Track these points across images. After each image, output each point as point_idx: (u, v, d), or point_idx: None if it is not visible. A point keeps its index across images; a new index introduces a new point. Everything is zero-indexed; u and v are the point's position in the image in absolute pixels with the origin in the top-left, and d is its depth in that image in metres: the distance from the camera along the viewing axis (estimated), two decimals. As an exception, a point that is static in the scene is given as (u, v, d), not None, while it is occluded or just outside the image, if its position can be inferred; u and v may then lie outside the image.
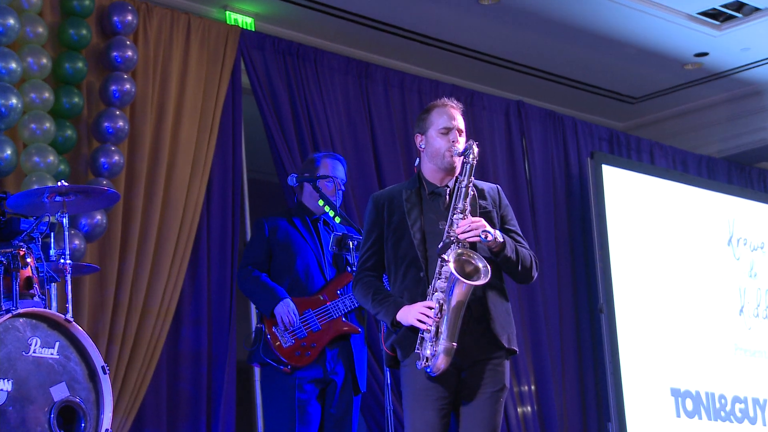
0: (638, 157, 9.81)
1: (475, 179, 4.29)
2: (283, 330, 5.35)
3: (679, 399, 8.92)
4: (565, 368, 8.69)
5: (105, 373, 4.74)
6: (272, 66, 7.29)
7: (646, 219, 9.19)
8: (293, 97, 7.34)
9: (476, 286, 4.03)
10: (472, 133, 8.41)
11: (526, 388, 8.30)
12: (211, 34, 6.97)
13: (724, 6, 8.36)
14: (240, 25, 7.44)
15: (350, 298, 5.45)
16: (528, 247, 4.36)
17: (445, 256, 4.04)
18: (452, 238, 4.08)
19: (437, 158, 4.29)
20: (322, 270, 5.55)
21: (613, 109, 10.27)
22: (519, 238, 4.35)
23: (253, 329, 5.54)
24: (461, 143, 4.29)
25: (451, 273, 3.99)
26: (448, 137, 4.28)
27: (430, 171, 4.34)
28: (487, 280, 4.02)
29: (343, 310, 5.44)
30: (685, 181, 9.75)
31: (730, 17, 8.54)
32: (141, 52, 6.53)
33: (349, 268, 5.50)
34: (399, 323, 4.15)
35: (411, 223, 4.23)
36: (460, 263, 4.04)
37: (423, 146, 4.35)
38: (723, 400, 9.21)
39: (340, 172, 5.72)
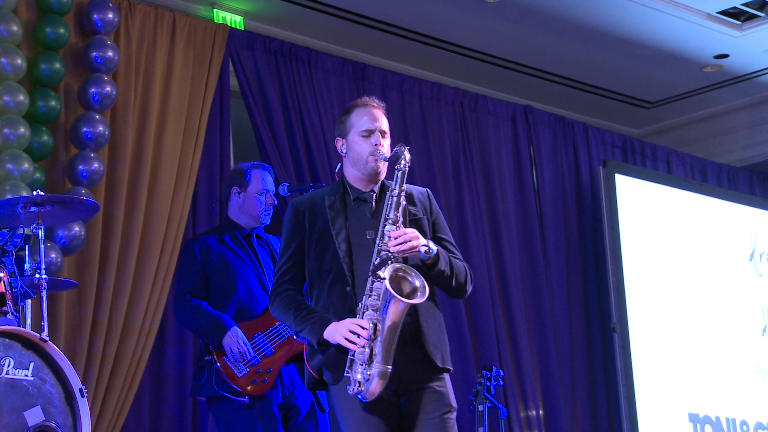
0: (654, 165, 9.82)
1: (412, 185, 4.25)
2: (234, 359, 5.31)
3: (698, 425, 8.91)
4: (576, 391, 8.69)
5: (83, 396, 4.72)
6: (263, 67, 7.30)
7: (663, 232, 9.19)
8: (285, 100, 7.34)
9: (414, 304, 3.97)
10: (476, 139, 8.43)
11: (534, 412, 8.29)
12: (197, 33, 6.97)
13: (746, 5, 8.37)
14: (228, 24, 7.44)
15: None
16: (462, 258, 4.30)
17: (380, 273, 3.97)
18: (388, 255, 4.00)
19: (360, 164, 4.22)
20: (265, 288, 5.50)
21: (627, 115, 10.27)
22: (452, 248, 4.29)
23: (203, 360, 5.44)
24: (385, 146, 4.22)
25: (387, 290, 3.91)
26: (370, 140, 4.20)
27: (353, 177, 4.27)
28: (425, 298, 3.96)
29: None
30: (704, 191, 9.76)
31: (752, 16, 8.55)
32: (122, 52, 6.53)
33: None
34: (326, 342, 4.07)
35: (335, 232, 4.16)
36: (397, 281, 3.97)
37: (344, 151, 4.27)
38: (745, 427, 9.20)
39: (270, 183, 5.71)
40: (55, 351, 4.71)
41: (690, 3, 8.22)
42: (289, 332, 5.40)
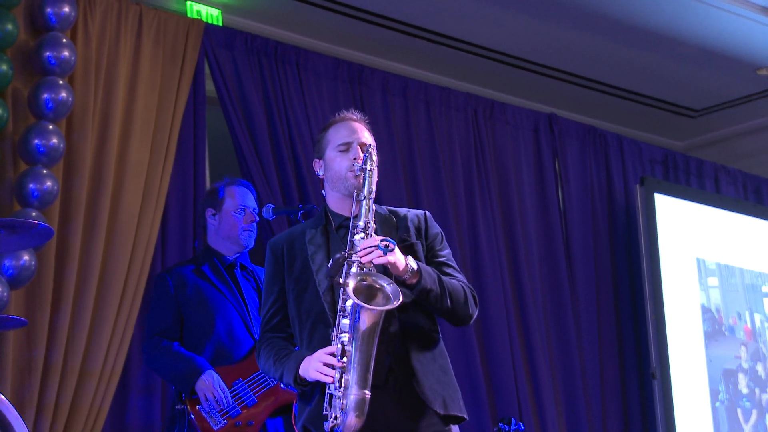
0: (700, 183, 9.84)
1: (409, 209, 4.31)
2: (210, 409, 5.30)
3: (751, 487, 8.92)
4: (609, 447, 8.70)
5: (33, 452, 4.75)
6: (244, 69, 7.32)
7: (710, 261, 9.20)
8: (270, 107, 7.36)
9: (387, 310, 3.93)
10: (492, 152, 8.44)
11: (560, 472, 8.30)
12: (168, 30, 7.00)
13: (808, -5, 8.41)
14: (204, 19, 7.47)
15: None
16: (464, 280, 4.31)
17: (340, 280, 3.97)
18: (344, 255, 4.00)
19: (339, 182, 4.28)
20: (249, 328, 5.52)
21: (669, 125, 10.30)
22: (451, 271, 4.29)
23: (175, 410, 5.44)
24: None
25: (353, 301, 3.90)
26: (348, 155, 4.27)
27: (335, 200, 4.34)
28: (398, 302, 3.91)
29: None
30: (759, 214, 9.78)
31: (815, 10, 8.59)
32: (80, 52, 6.55)
33: None
34: (305, 380, 4.08)
35: (316, 269, 4.21)
36: (361, 290, 3.94)
37: (321, 173, 4.36)
38: (805, 489, 9.21)
39: (250, 200, 5.73)
40: (1, 400, 4.73)
41: (741, -5, 8.27)
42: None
